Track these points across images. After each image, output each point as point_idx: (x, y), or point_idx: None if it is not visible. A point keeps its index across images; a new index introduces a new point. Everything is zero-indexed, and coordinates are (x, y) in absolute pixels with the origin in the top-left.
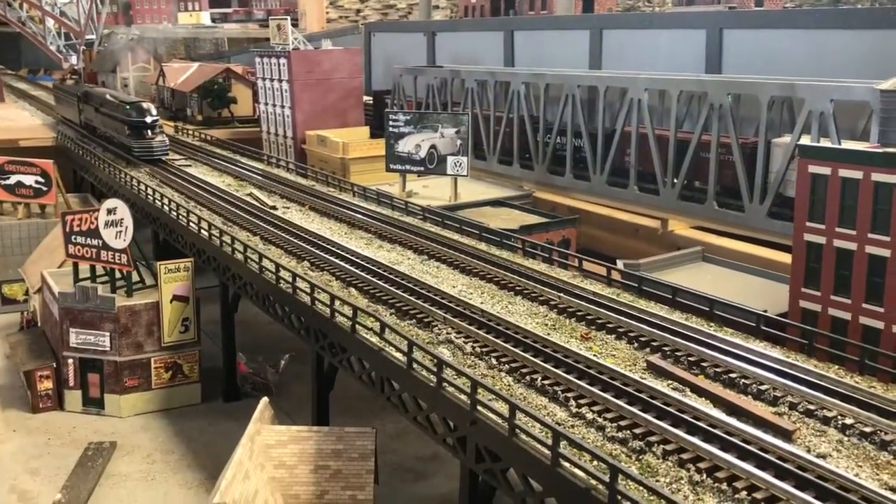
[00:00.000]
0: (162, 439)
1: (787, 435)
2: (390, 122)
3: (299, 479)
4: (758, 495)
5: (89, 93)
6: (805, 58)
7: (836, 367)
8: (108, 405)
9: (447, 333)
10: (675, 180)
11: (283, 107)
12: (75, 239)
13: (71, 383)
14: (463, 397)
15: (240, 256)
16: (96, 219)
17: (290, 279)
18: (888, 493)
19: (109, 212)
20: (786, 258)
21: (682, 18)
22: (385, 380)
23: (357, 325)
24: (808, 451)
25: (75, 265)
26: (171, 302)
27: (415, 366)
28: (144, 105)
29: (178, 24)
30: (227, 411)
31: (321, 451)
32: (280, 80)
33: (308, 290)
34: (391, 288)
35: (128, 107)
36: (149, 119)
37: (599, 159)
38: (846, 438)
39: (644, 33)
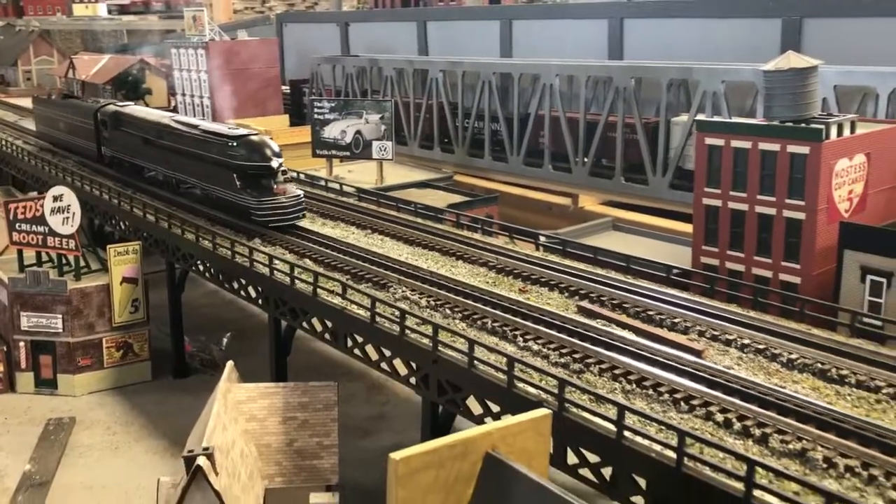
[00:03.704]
0: (119, 413)
1: (697, 354)
2: (315, 109)
3: (270, 430)
4: (678, 395)
5: (122, 115)
6: (697, 44)
7: (734, 305)
8: (62, 385)
9: (402, 292)
10: (586, 159)
11: (201, 97)
12: (20, 227)
13: (23, 366)
14: (425, 341)
15: (191, 237)
16: (42, 206)
17: (246, 254)
18: (779, 387)
19: (56, 199)
20: (684, 227)
21: (585, 9)
22: (348, 335)
23: (318, 289)
24: (716, 364)
25: (20, 252)
26: (120, 284)
27: (378, 319)
28: (257, 139)
29: (74, 16)
30: (179, 386)
31: (288, 404)
32: (198, 71)
33: (266, 262)
34: (344, 257)
35: (232, 143)
36: (275, 162)
37: (516, 141)
38: (744, 354)
39: (551, 23)
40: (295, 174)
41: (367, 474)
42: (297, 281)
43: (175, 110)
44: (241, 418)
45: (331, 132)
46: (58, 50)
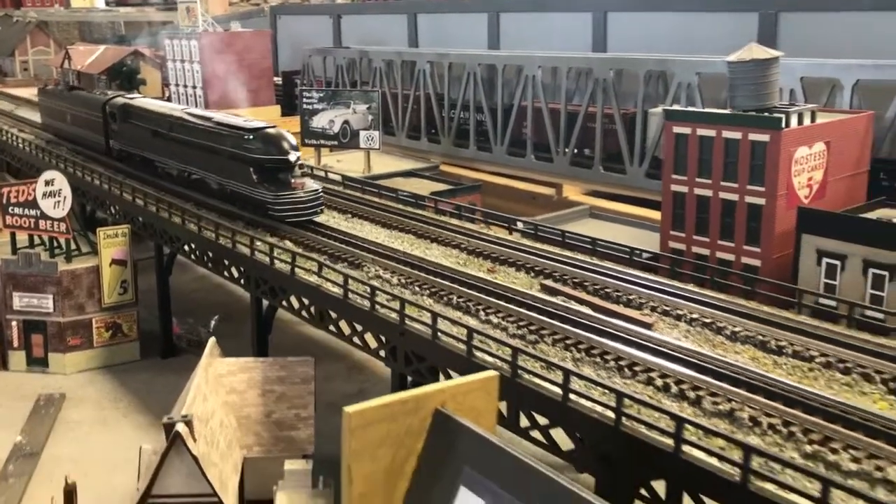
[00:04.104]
0: (108, 391)
1: (647, 326)
2: (304, 99)
3: (249, 402)
4: (623, 363)
5: (132, 107)
6: (678, 37)
7: (692, 284)
8: (53, 363)
9: (376, 271)
10: (567, 149)
11: (194, 87)
12: (12, 210)
13: (15, 344)
14: (394, 315)
15: (178, 220)
16: (34, 190)
17: (229, 235)
18: (720, 357)
19: (47, 183)
20: (658, 214)
21: (570, 2)
22: (323, 311)
23: (296, 269)
24: (662, 335)
25: (13, 235)
26: (110, 266)
27: (350, 296)
28: (274, 131)
29: (72, 8)
30: (167, 366)
31: (267, 378)
32: (191, 62)
33: (247, 243)
34: (322, 238)
35: (248, 136)
36: (292, 156)
37: (500, 132)
38: (692, 328)
39: (537, 16)
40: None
41: None
42: (276, 261)
43: (169, 100)
44: (221, 391)
45: (319, 122)
46: (55, 41)
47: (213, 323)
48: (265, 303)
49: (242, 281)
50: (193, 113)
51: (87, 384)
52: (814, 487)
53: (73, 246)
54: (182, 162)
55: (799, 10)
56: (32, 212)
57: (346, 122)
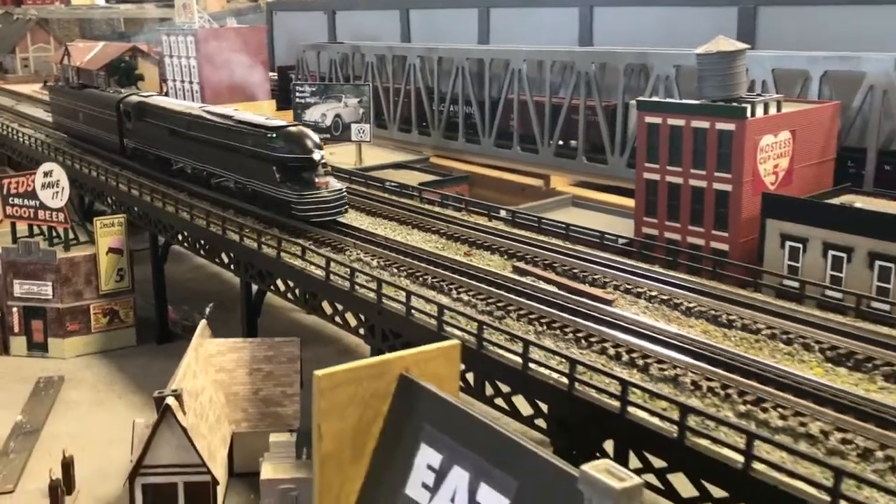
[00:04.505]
0: (105, 374)
1: (608, 303)
2: (297, 94)
3: (237, 381)
4: (580, 335)
5: (148, 106)
6: (662, 31)
7: (657, 265)
8: (52, 348)
9: (357, 255)
10: (552, 140)
11: (191, 83)
12: (13, 200)
13: (16, 330)
14: (371, 295)
15: (171, 209)
16: (33, 181)
17: (220, 223)
18: (674, 330)
19: (46, 174)
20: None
21: None
22: (308, 293)
23: (282, 253)
24: (620, 310)
25: (13, 224)
26: (107, 254)
27: (332, 277)
28: (297, 129)
29: (72, 5)
30: (162, 351)
31: (255, 357)
32: (188, 57)
33: (237, 230)
34: (307, 225)
35: (271, 135)
36: (316, 154)
37: (487, 124)
38: (650, 304)
39: (526, 11)
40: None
41: None
42: (263, 246)
43: (166, 95)
44: (211, 369)
45: (312, 115)
46: (55, 37)
47: (207, 310)
48: (254, 287)
49: (232, 266)
50: (212, 111)
51: (85, 368)
52: (742, 442)
53: (70, 235)
54: (200, 161)
55: (777, 5)
56: (32, 202)
57: (337, 115)
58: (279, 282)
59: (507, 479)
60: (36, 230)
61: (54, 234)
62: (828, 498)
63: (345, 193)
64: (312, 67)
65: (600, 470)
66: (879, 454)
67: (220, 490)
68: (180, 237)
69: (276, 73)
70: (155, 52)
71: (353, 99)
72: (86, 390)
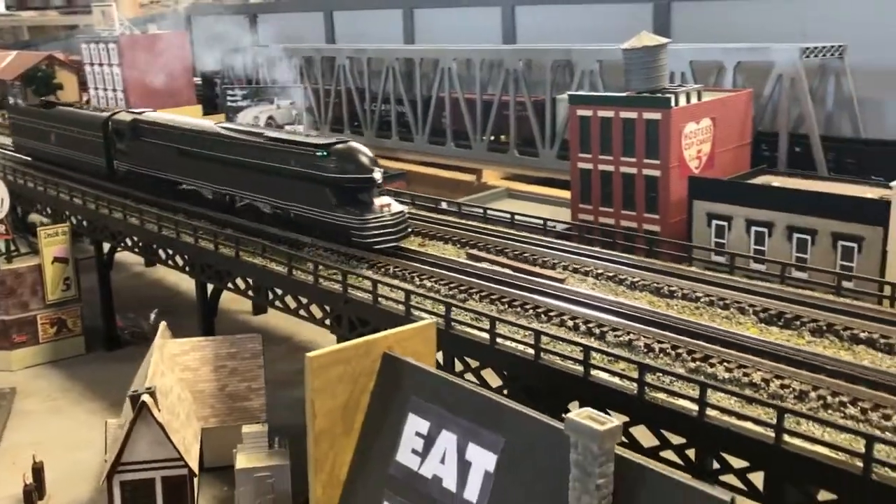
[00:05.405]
0: (58, 383)
1: (560, 281)
2: (228, 97)
3: (203, 378)
4: (539, 311)
5: (145, 123)
6: (582, 28)
7: (598, 247)
8: None
9: (316, 251)
10: (484, 136)
11: (115, 90)
12: None
13: None
14: (336, 286)
15: (119, 216)
16: None
17: (173, 227)
18: (624, 301)
19: None
20: (567, 194)
21: None
22: (268, 289)
23: (241, 252)
24: (572, 287)
25: None
26: (52, 263)
27: (294, 272)
28: (349, 146)
29: None
30: (112, 358)
31: (218, 355)
32: (111, 65)
33: (191, 232)
34: (259, 226)
35: (321, 153)
36: (377, 173)
37: (420, 122)
38: (598, 281)
39: (450, 11)
40: None
41: (294, 416)
42: (220, 247)
43: (88, 103)
44: (176, 369)
45: (244, 118)
46: None
47: (152, 316)
48: (209, 287)
49: (187, 268)
50: (232, 128)
51: (36, 378)
52: (695, 393)
53: (12, 247)
54: (221, 183)
55: (689, 0)
56: None
57: (270, 117)
58: (238, 280)
59: (494, 436)
60: None
61: None
62: (772, 434)
63: (407, 215)
64: (238, 71)
65: (583, 416)
66: (813, 395)
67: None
68: (129, 242)
69: (199, 79)
70: (72, 60)
71: (284, 101)
72: (40, 400)
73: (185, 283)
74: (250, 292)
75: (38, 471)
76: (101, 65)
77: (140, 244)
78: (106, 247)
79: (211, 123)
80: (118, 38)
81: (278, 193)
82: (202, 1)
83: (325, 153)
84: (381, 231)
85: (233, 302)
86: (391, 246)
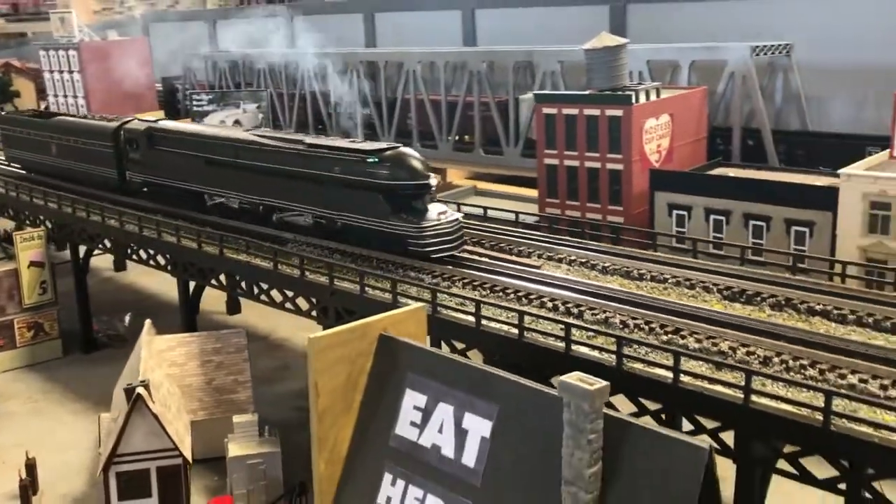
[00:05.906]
0: (38, 385)
1: (537, 268)
2: (194, 102)
3: (190, 373)
4: (520, 294)
5: (163, 132)
6: (541, 30)
7: (567, 237)
8: None
9: (300, 247)
10: (449, 136)
11: (75, 97)
12: None
13: None
14: (323, 279)
15: (97, 218)
16: None
17: (154, 227)
18: (598, 283)
19: None
20: (531, 191)
21: (440, 1)
22: (253, 284)
23: (224, 249)
24: (549, 272)
25: None
26: (28, 268)
27: (280, 267)
28: (400, 151)
29: None
30: (90, 360)
31: (204, 350)
32: (71, 72)
33: (173, 232)
34: (240, 224)
35: (372, 159)
36: (432, 179)
37: (386, 124)
38: (572, 267)
39: (411, 15)
40: None
41: (278, 410)
42: (203, 245)
43: (47, 109)
44: (164, 364)
45: (211, 122)
46: None
47: (127, 318)
48: (192, 285)
49: (169, 267)
50: (267, 135)
51: (15, 381)
52: (669, 361)
53: None
54: (256, 194)
55: (644, 2)
56: None
57: (236, 121)
58: (222, 277)
59: (489, 405)
60: None
61: None
62: (741, 395)
63: (462, 223)
64: (200, 76)
65: (574, 379)
66: (776, 359)
67: None
68: (108, 244)
69: (160, 84)
70: (28, 67)
71: (251, 105)
72: (22, 401)
73: (156, 286)
74: (234, 288)
75: (30, 467)
76: (60, 71)
77: (119, 245)
78: (82, 251)
79: (241, 131)
80: (78, 45)
81: (323, 203)
82: (158, 8)
83: (375, 159)
84: (440, 239)
85: (207, 302)
86: (447, 255)
